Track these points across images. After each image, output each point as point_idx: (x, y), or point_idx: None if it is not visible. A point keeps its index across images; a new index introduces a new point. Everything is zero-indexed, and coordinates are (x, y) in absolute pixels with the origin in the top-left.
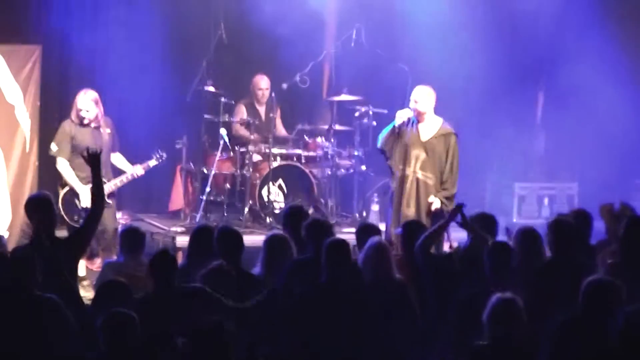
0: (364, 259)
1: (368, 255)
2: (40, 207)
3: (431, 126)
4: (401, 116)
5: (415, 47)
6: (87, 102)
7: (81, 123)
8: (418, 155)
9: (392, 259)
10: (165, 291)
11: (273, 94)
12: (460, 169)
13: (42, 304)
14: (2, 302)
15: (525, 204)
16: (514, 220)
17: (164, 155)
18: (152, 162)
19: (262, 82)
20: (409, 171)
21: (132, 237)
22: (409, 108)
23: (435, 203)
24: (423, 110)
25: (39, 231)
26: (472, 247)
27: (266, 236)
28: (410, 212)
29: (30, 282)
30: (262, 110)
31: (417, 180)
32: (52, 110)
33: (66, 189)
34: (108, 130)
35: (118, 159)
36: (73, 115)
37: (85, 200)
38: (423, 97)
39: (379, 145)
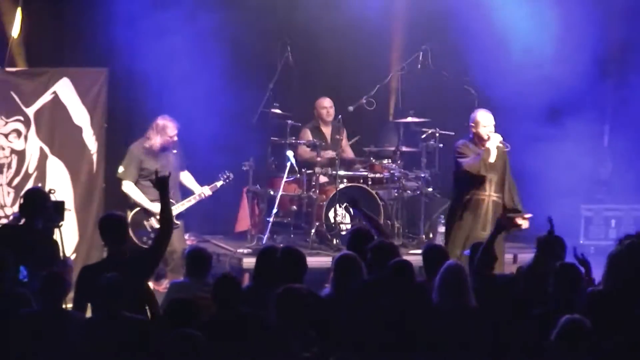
0: (439, 283)
1: (444, 278)
2: (115, 226)
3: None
4: (496, 143)
5: (482, 69)
6: (175, 129)
7: (161, 149)
8: (492, 178)
9: (469, 283)
10: (227, 315)
11: (340, 116)
12: (529, 191)
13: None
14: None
15: (593, 226)
16: (581, 242)
17: (231, 175)
18: (219, 183)
19: (325, 102)
20: (484, 195)
21: (198, 259)
22: (488, 133)
23: (524, 224)
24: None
25: (112, 250)
26: (536, 265)
27: (336, 256)
28: (485, 235)
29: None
30: (327, 132)
31: (493, 202)
32: (119, 133)
33: (135, 210)
34: (174, 151)
35: (186, 178)
36: (157, 141)
37: (157, 213)
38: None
39: (473, 171)
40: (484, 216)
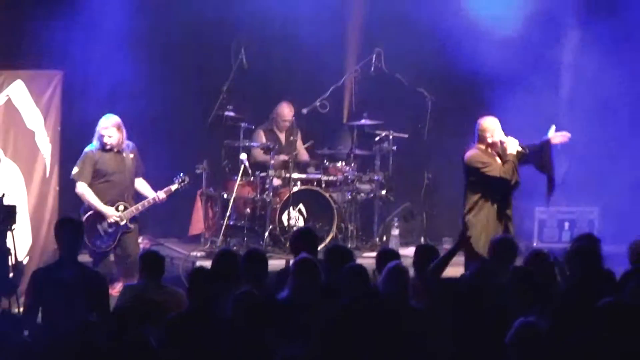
0: (382, 283)
1: (385, 279)
2: (71, 230)
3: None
4: (516, 146)
5: (436, 71)
6: (109, 127)
7: (104, 148)
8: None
9: (410, 284)
10: (201, 311)
11: (293, 119)
12: None
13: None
14: None
15: (546, 228)
16: (534, 244)
17: (187, 179)
18: (174, 187)
19: (287, 112)
20: (505, 209)
21: (151, 261)
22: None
23: None
24: None
25: (65, 254)
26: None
27: (295, 259)
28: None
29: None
30: (281, 135)
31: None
32: (73, 136)
33: (88, 213)
34: (131, 155)
35: (141, 185)
36: (95, 140)
37: (111, 216)
38: None
39: (507, 176)
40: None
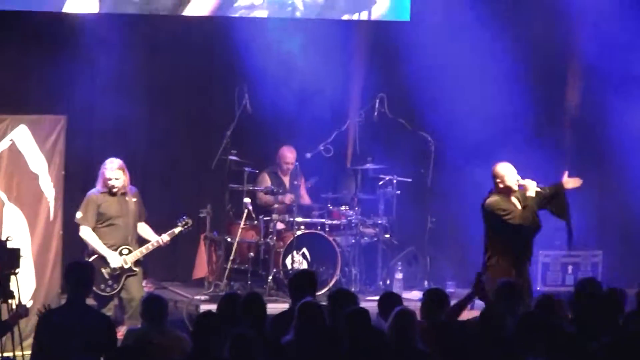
0: (388, 327)
1: (393, 322)
2: (81, 274)
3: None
4: (534, 188)
5: (439, 115)
6: (114, 171)
7: (110, 192)
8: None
9: (417, 328)
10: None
11: (297, 163)
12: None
13: None
14: None
15: (550, 272)
16: (538, 288)
17: (190, 222)
18: (178, 229)
19: (289, 156)
20: (527, 253)
21: (154, 306)
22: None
23: None
24: None
25: (73, 297)
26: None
27: (299, 303)
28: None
29: None
30: (286, 178)
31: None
32: (77, 180)
33: (92, 257)
34: (134, 199)
35: (144, 229)
36: (100, 185)
37: (114, 262)
38: None
39: (527, 222)
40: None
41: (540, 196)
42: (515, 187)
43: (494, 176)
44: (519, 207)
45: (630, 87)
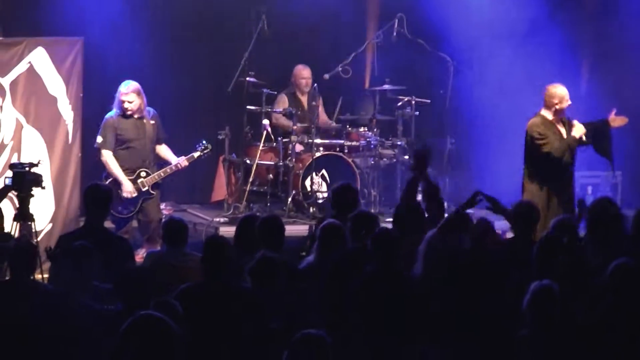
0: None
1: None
2: (100, 197)
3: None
4: (580, 132)
5: (458, 36)
6: (129, 93)
7: (124, 114)
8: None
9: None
10: (214, 284)
11: (315, 84)
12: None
13: None
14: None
15: None
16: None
17: (209, 146)
18: (197, 154)
19: (305, 72)
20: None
21: (175, 228)
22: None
23: None
24: None
25: (91, 220)
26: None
27: (321, 224)
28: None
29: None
30: (304, 100)
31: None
32: (95, 102)
33: (109, 180)
34: (152, 122)
35: (163, 150)
36: (116, 107)
37: (127, 191)
38: None
39: (559, 154)
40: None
41: (583, 143)
42: (565, 108)
43: (551, 96)
44: (561, 135)
45: None
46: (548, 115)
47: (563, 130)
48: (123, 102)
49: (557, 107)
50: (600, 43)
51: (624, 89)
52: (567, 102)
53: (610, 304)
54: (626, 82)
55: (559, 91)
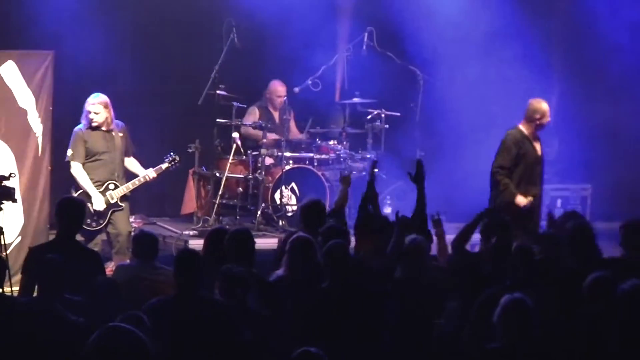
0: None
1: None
2: (74, 210)
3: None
4: (524, 203)
5: (428, 49)
6: (95, 104)
7: (90, 126)
8: (540, 171)
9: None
10: (187, 298)
11: (286, 98)
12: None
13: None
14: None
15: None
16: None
17: (177, 158)
18: (165, 165)
19: (280, 88)
20: (537, 189)
21: (145, 242)
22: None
23: None
24: None
25: (63, 233)
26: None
27: (292, 238)
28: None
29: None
30: (276, 114)
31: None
32: (65, 115)
33: (78, 192)
34: (121, 134)
35: (132, 164)
36: (83, 119)
37: (97, 204)
38: None
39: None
40: (537, 210)
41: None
42: (545, 123)
43: (534, 110)
44: (535, 151)
45: None
46: (526, 129)
47: (537, 147)
48: (89, 112)
49: (538, 122)
50: (571, 54)
51: (595, 101)
52: (547, 119)
53: (588, 316)
54: (598, 94)
55: (543, 107)
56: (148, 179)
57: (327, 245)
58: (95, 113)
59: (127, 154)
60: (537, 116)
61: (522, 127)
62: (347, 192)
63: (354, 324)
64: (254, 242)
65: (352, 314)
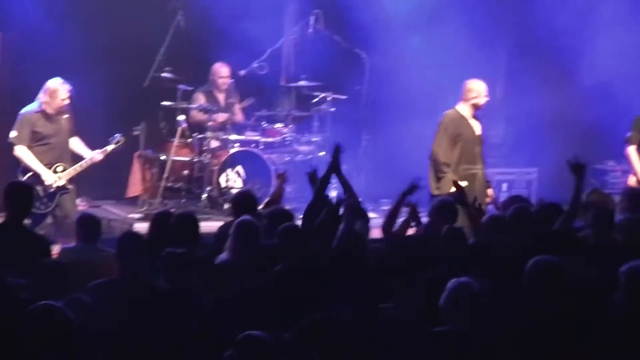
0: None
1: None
2: (21, 194)
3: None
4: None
5: (374, 32)
6: (68, 92)
7: (44, 113)
8: (480, 150)
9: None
10: (128, 280)
11: (232, 80)
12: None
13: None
14: None
15: None
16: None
17: (123, 139)
18: (110, 147)
19: (223, 70)
20: (477, 168)
21: (88, 224)
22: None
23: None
24: None
25: (11, 218)
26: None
27: (237, 221)
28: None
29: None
30: (221, 97)
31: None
32: (11, 98)
33: (27, 175)
34: (66, 116)
35: (76, 144)
36: (44, 104)
37: (49, 179)
38: None
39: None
40: (480, 190)
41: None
42: (482, 104)
43: (469, 90)
44: (473, 132)
45: None
46: (464, 109)
47: (476, 127)
48: (63, 99)
49: (474, 101)
50: (519, 37)
51: (543, 84)
52: (484, 98)
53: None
54: (546, 77)
55: (477, 86)
56: (94, 160)
57: (281, 227)
58: (68, 99)
59: (71, 135)
60: (473, 95)
61: (459, 108)
62: (283, 187)
63: (307, 307)
64: (199, 225)
65: (305, 297)
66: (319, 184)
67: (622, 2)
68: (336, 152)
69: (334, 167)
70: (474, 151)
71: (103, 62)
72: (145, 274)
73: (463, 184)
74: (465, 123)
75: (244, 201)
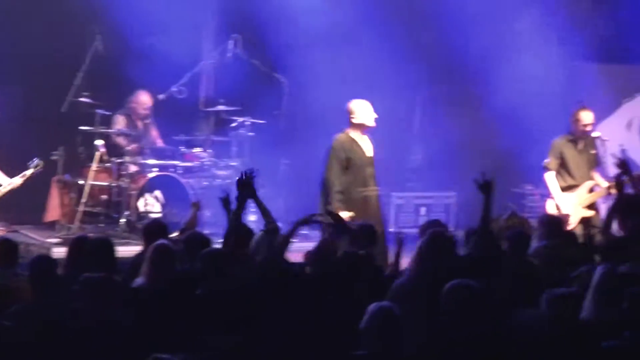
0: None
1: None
2: None
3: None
4: None
5: (293, 58)
6: None
7: None
8: (372, 172)
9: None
10: (43, 304)
11: (150, 105)
12: None
13: None
14: None
15: (403, 213)
16: (391, 229)
17: (41, 163)
18: (29, 172)
19: (144, 98)
20: (371, 190)
21: (5, 248)
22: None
23: None
24: None
25: None
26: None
27: (152, 245)
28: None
29: None
30: (139, 122)
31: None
32: None
33: None
34: None
35: None
36: None
37: None
38: None
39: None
40: (375, 212)
41: None
42: (370, 124)
43: (350, 111)
44: (363, 154)
45: None
46: (353, 132)
47: (367, 148)
48: None
49: (357, 122)
50: (436, 60)
51: (461, 107)
52: (370, 118)
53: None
54: (463, 100)
55: (357, 106)
56: (13, 185)
57: (204, 251)
58: None
59: None
60: (354, 116)
61: (349, 130)
62: (197, 216)
63: (228, 330)
64: (115, 250)
65: (227, 321)
66: (236, 209)
67: (534, 27)
68: (240, 182)
69: (246, 193)
70: (365, 173)
71: (19, 86)
72: (61, 297)
73: (346, 214)
74: (356, 145)
75: (153, 229)
